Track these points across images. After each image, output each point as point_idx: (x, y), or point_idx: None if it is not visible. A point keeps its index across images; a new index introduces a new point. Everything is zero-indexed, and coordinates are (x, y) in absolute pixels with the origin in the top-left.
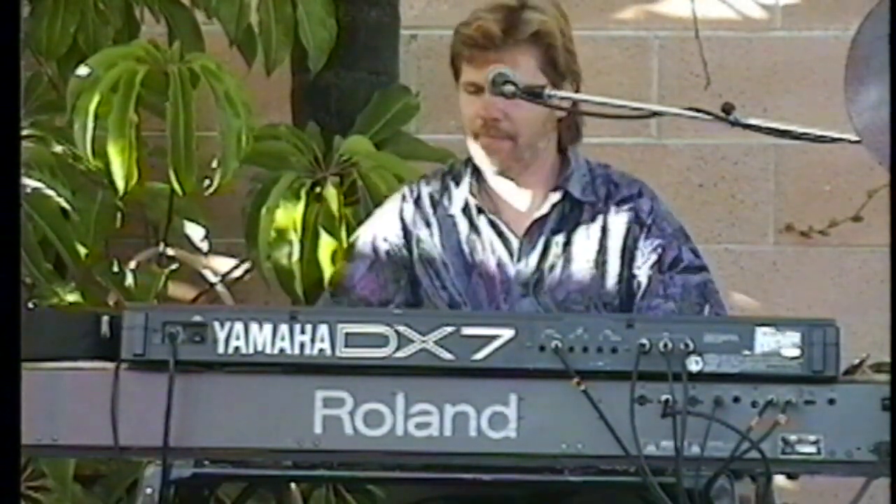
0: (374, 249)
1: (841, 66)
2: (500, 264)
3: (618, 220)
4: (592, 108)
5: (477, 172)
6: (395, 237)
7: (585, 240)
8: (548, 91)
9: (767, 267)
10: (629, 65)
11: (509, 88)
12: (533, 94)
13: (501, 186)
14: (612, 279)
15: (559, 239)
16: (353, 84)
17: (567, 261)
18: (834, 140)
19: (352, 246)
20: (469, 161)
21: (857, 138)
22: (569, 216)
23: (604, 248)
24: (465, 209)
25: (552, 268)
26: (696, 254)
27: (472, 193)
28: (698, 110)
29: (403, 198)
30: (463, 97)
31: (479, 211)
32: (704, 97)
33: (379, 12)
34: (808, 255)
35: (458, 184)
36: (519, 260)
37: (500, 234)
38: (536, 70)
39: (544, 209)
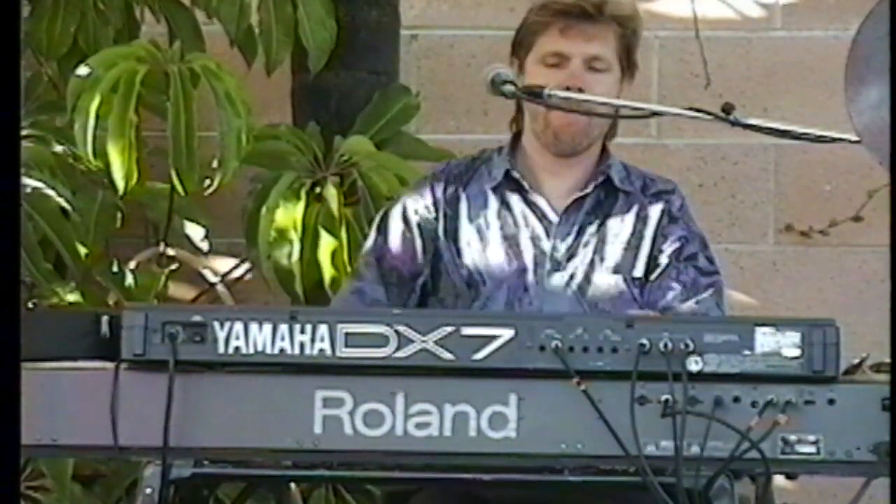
0: (406, 220)
1: (841, 66)
2: (533, 238)
3: (653, 210)
4: (592, 108)
5: (516, 153)
6: (425, 210)
7: (620, 223)
8: (547, 91)
9: (767, 267)
10: None
11: (509, 88)
12: (533, 94)
13: (546, 165)
14: (642, 261)
15: (594, 221)
16: (353, 84)
17: (601, 241)
18: (834, 140)
19: (384, 219)
20: (504, 147)
21: (857, 138)
22: (605, 202)
23: (638, 232)
24: (497, 187)
25: (585, 245)
26: (711, 261)
27: (513, 168)
28: (698, 110)
29: (434, 175)
30: (540, 71)
31: (516, 187)
32: (704, 97)
33: (379, 12)
34: (808, 255)
35: (490, 166)
36: (556, 237)
37: (535, 210)
38: (616, 54)
39: (588, 189)
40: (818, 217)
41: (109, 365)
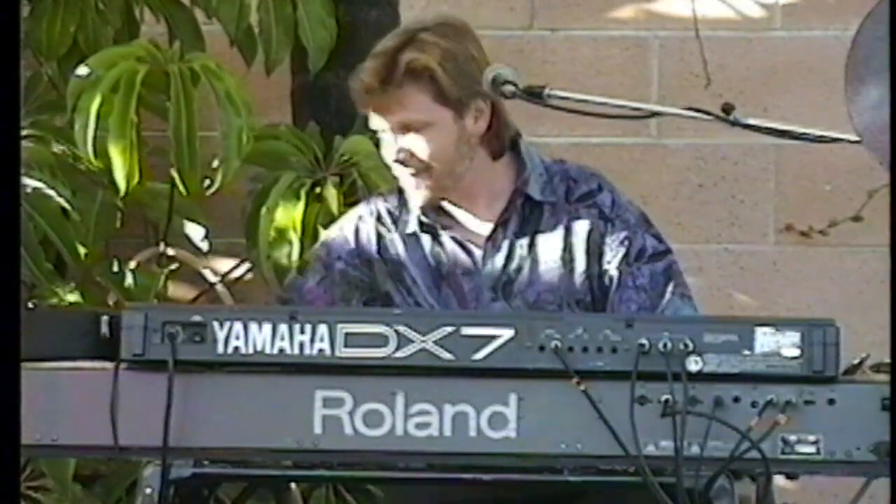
0: (326, 266)
1: (841, 66)
2: (466, 273)
3: (580, 218)
4: (592, 108)
5: None
6: (349, 257)
7: (550, 240)
8: (547, 91)
9: (767, 267)
10: (629, 65)
11: (509, 88)
12: (532, 95)
13: (448, 205)
14: (579, 276)
15: (523, 241)
16: None
17: (534, 262)
18: (834, 140)
19: (313, 252)
20: None
21: (857, 138)
22: (529, 218)
23: (569, 245)
24: (423, 225)
25: (519, 270)
26: (658, 239)
27: (423, 214)
28: (698, 110)
29: (360, 217)
30: (381, 141)
31: (433, 229)
32: (704, 97)
33: (379, 12)
34: (808, 255)
35: (409, 205)
36: (484, 266)
37: (460, 244)
38: (431, 103)
39: (500, 211)
40: (818, 217)
41: (109, 365)
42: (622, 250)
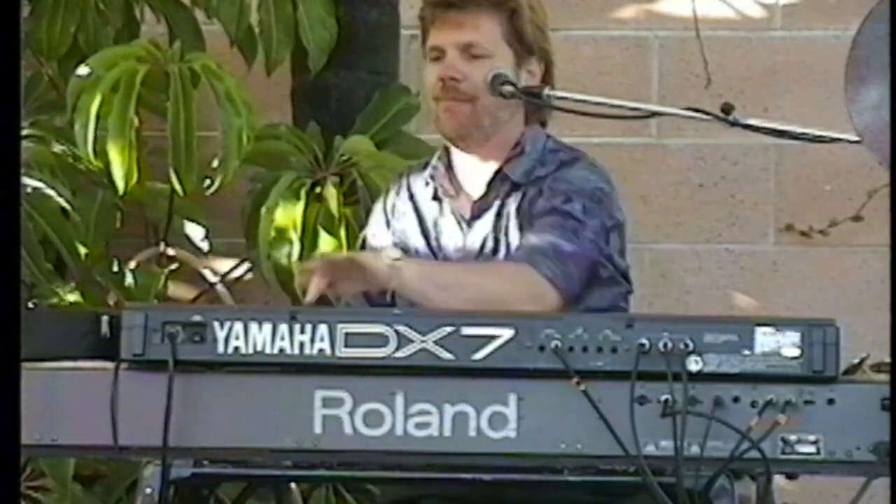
0: (369, 249)
1: (841, 66)
2: (456, 247)
3: (541, 198)
4: (592, 108)
5: (446, 156)
6: (382, 233)
7: (514, 221)
8: (547, 91)
9: (767, 267)
10: (629, 65)
11: (508, 89)
12: (532, 94)
13: (463, 164)
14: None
15: (500, 224)
16: (353, 84)
17: (508, 244)
18: (834, 140)
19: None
20: (442, 147)
21: (857, 138)
22: (507, 200)
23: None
24: (435, 196)
25: (495, 251)
26: (583, 210)
27: (431, 177)
28: (698, 110)
29: (387, 192)
30: (427, 67)
31: (437, 195)
32: (704, 97)
33: (379, 12)
34: (808, 255)
35: (426, 171)
36: (465, 242)
37: (453, 215)
38: (500, 38)
39: (488, 194)
40: (818, 217)
41: (109, 365)
42: (552, 202)
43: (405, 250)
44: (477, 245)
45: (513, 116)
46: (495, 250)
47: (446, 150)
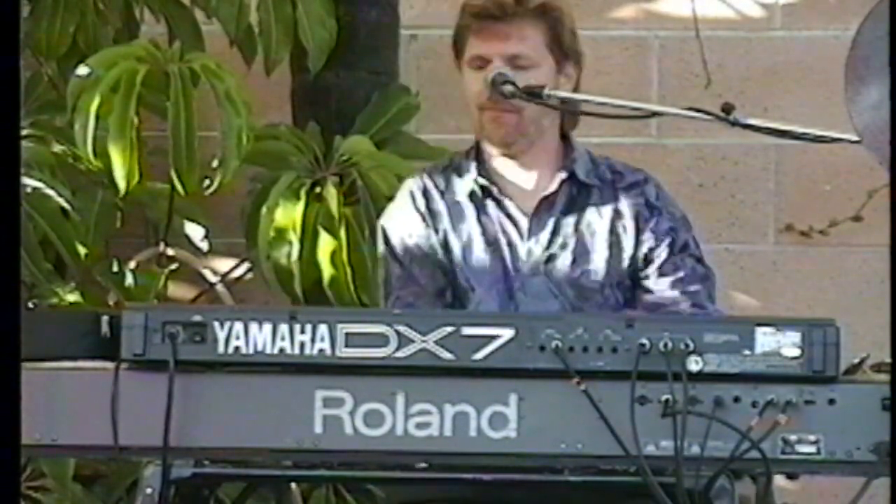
0: (406, 249)
1: (841, 66)
2: (510, 244)
3: (627, 203)
4: (592, 108)
5: (481, 158)
6: (420, 232)
7: (598, 220)
8: (547, 91)
9: (767, 267)
10: (629, 65)
11: (509, 88)
12: (532, 94)
13: (507, 168)
14: (626, 260)
15: (570, 220)
16: (353, 84)
17: (579, 241)
18: (834, 140)
19: (389, 251)
20: (471, 150)
21: (857, 138)
22: (577, 198)
23: (615, 228)
24: (472, 194)
25: (564, 246)
26: (696, 243)
27: (480, 175)
28: (698, 110)
29: (412, 193)
30: (468, 75)
31: (487, 193)
32: (704, 97)
33: (379, 12)
34: (808, 255)
35: (461, 172)
36: (529, 239)
37: (508, 214)
38: (543, 47)
39: (552, 187)
40: (818, 217)
41: (109, 365)
42: (668, 239)
43: (466, 248)
44: (545, 240)
45: (553, 123)
46: (573, 246)
47: (478, 153)
